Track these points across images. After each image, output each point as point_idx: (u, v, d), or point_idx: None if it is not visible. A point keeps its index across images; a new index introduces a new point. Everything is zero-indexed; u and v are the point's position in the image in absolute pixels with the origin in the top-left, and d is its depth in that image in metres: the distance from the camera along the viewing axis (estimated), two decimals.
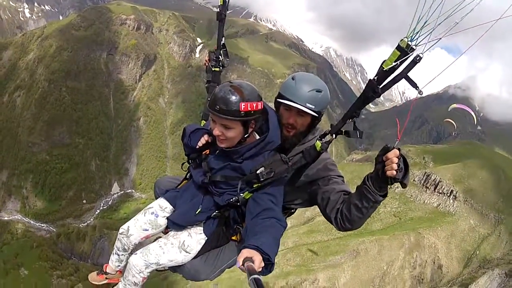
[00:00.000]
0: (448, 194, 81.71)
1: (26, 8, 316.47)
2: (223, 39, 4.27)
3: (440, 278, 71.96)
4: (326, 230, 78.83)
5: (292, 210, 3.86)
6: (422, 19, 2.31)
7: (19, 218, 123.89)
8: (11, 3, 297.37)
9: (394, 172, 2.68)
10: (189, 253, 3.47)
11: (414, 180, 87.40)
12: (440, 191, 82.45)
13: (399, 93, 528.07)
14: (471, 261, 72.73)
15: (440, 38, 2.32)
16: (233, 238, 3.54)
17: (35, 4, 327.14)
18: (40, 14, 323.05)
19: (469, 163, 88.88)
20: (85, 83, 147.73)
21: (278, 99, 3.33)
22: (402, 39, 2.44)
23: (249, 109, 2.89)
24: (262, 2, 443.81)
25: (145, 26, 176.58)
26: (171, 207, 3.68)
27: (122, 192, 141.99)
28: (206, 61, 4.39)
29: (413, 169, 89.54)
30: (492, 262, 70.31)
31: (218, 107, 2.85)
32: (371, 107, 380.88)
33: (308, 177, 3.44)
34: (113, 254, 3.93)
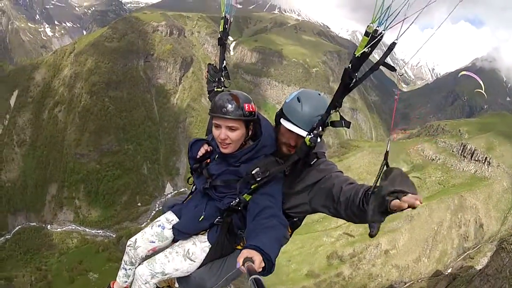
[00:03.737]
0: (483, 161, 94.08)
1: (47, 27, 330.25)
2: (224, 62, 4.67)
3: (482, 235, 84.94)
4: None
5: (295, 219, 3.93)
6: (386, 2, 2.39)
7: (73, 227, 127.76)
8: (29, 24, 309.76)
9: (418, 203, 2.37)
10: (194, 261, 3.68)
11: (452, 151, 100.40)
12: (476, 159, 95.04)
13: (429, 70, 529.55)
14: (507, 219, 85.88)
15: (406, 20, 2.37)
16: (238, 247, 3.76)
17: (56, 22, 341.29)
18: (62, 32, 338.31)
19: (499, 132, 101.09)
20: (126, 92, 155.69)
21: (282, 120, 3.52)
22: (368, 25, 2.52)
23: (251, 109, 3.31)
24: None
25: (177, 30, 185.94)
26: (178, 219, 3.95)
27: (176, 191, 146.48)
28: (206, 73, 4.86)
29: (451, 141, 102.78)
30: None
31: (224, 109, 3.22)
32: (403, 86, 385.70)
33: (306, 183, 3.56)
34: (121, 269, 4.14)
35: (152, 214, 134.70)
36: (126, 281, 4.10)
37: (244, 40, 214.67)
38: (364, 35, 2.52)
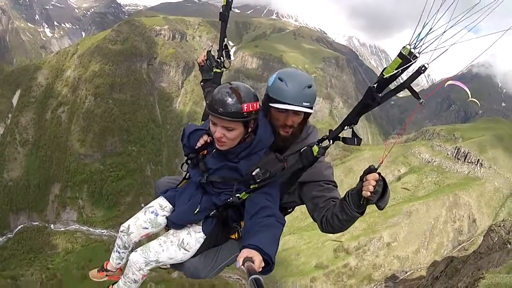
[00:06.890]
0: (476, 163, 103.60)
1: (46, 28, 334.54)
2: (225, 39, 4.52)
3: (476, 229, 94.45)
4: None
5: (289, 210, 4.04)
6: (428, 25, 2.23)
7: (77, 227, 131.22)
8: (29, 24, 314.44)
9: (369, 193, 2.79)
10: (188, 251, 3.70)
11: (447, 154, 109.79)
12: (469, 161, 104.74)
13: (425, 76, 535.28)
14: (498, 215, 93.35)
15: (447, 48, 2.29)
16: (232, 236, 3.77)
17: (55, 23, 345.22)
18: (62, 33, 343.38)
19: (491, 136, 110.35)
20: (130, 94, 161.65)
21: (271, 104, 3.38)
22: (404, 46, 2.39)
23: (250, 109, 3.08)
24: None
25: (180, 35, 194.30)
26: (171, 206, 3.90)
27: None
28: (202, 60, 4.71)
29: (446, 145, 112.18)
30: None
31: (220, 109, 3.01)
32: (399, 92, 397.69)
33: (301, 178, 3.56)
34: (114, 251, 4.17)
35: None
36: (120, 263, 4.31)
37: (244, 45, 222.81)
38: (398, 56, 2.44)
